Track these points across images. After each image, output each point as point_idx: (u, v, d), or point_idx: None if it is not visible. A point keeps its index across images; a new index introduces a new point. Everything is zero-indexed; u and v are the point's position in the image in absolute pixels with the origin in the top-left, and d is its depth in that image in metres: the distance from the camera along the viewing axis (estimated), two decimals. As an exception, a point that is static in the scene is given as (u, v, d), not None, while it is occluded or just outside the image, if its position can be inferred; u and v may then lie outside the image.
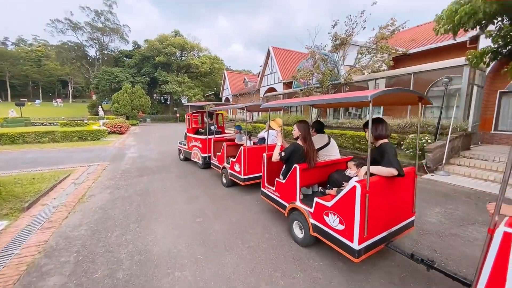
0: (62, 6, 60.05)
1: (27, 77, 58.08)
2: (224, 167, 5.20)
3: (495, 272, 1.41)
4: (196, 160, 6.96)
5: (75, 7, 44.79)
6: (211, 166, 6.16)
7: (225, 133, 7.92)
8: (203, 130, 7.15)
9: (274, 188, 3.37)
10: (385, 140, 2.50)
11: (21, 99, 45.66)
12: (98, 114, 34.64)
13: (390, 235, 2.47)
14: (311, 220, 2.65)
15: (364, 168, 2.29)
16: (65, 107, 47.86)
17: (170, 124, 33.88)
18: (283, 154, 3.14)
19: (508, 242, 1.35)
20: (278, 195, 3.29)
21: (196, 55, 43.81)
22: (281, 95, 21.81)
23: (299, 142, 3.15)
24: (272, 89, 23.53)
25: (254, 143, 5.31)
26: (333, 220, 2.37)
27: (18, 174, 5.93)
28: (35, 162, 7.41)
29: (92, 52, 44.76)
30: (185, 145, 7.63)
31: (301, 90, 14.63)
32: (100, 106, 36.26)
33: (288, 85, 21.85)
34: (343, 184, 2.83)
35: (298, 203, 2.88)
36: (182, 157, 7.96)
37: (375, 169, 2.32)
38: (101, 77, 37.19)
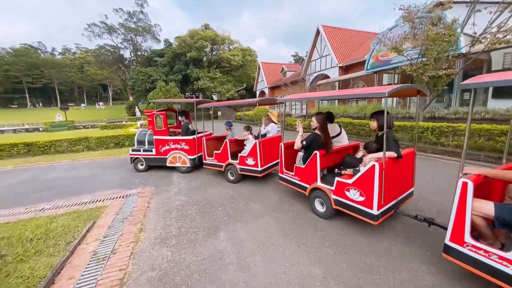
0: (97, 10, 62.50)
1: (73, 83, 62.30)
2: (229, 164, 5.14)
3: (458, 214, 2.01)
4: (178, 165, 6.08)
5: (109, 10, 45.89)
6: (204, 166, 5.84)
7: (201, 131, 6.69)
8: (175, 131, 6.66)
9: (293, 173, 3.82)
10: (387, 130, 2.83)
11: (69, 104, 48.80)
12: (135, 115, 34.61)
13: (397, 203, 3.07)
14: (333, 196, 3.17)
15: (369, 157, 2.92)
16: (106, 110, 49.92)
17: (205, 121, 32.16)
18: (304, 142, 3.54)
19: (465, 189, 1.95)
20: (298, 179, 3.75)
21: (227, 48, 41.50)
22: (337, 82, 18.04)
23: (317, 131, 3.55)
24: (324, 76, 19.72)
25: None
26: (353, 194, 2.90)
27: (18, 220, 3.63)
28: (55, 188, 5.33)
29: (127, 54, 45.49)
30: (147, 151, 6.23)
31: (383, 69, 10.69)
32: (136, 107, 36.23)
33: (345, 69, 17.92)
34: (359, 165, 3.16)
35: (319, 183, 3.36)
36: (142, 166, 6.39)
37: (377, 154, 2.90)
38: (136, 77, 37.13)
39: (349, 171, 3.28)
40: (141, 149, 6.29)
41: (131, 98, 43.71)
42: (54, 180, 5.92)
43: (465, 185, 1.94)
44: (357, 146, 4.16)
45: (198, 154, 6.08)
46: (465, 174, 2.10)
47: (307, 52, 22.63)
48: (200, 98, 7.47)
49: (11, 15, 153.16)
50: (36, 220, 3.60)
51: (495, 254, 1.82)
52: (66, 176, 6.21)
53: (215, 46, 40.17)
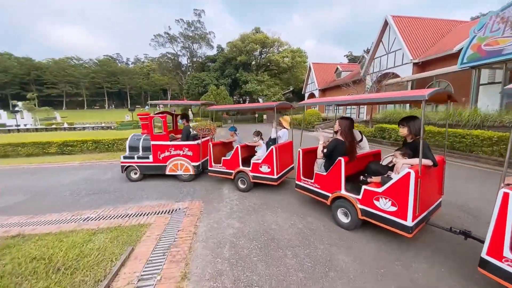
0: (163, 22, 70.04)
1: (140, 88, 71.41)
2: (240, 172, 4.77)
3: (498, 226, 1.86)
4: (180, 173, 5.56)
5: (172, 21, 50.88)
6: (210, 174, 5.31)
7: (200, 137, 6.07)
8: (177, 136, 6.20)
9: (312, 181, 3.60)
10: (418, 136, 2.79)
11: (136, 106, 55.90)
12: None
13: (428, 214, 2.85)
14: (359, 206, 2.93)
15: (400, 162, 2.74)
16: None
17: (250, 125, 31.95)
18: (325, 150, 3.35)
19: (506, 200, 1.82)
20: (318, 187, 3.52)
21: (276, 50, 40.87)
22: (409, 82, 15.02)
23: (339, 136, 3.34)
24: (392, 75, 16.81)
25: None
26: (384, 204, 2.66)
27: (60, 231, 3.21)
28: (106, 192, 5.18)
29: (184, 60, 49.41)
30: (142, 158, 5.61)
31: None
32: (190, 109, 38.73)
33: (422, 66, 14.80)
34: (388, 173, 3.00)
35: (343, 192, 3.13)
36: (135, 175, 5.75)
37: (411, 160, 2.70)
38: (191, 82, 39.76)
39: (375, 179, 3.10)
40: (135, 156, 5.61)
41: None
42: (108, 181, 5.79)
43: (506, 196, 1.85)
44: (378, 153, 4.02)
45: (202, 160, 5.63)
46: (508, 184, 1.96)
47: (367, 49, 19.90)
48: (210, 101, 7.02)
49: (97, 30, 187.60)
50: (75, 234, 3.10)
51: None
52: (118, 177, 6.06)
53: (265, 49, 40.03)
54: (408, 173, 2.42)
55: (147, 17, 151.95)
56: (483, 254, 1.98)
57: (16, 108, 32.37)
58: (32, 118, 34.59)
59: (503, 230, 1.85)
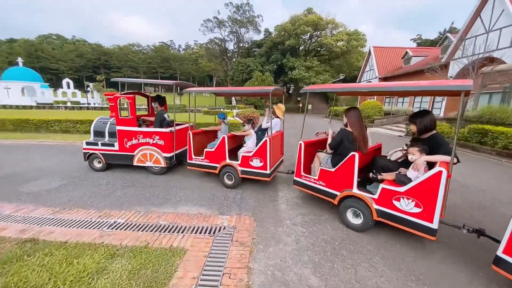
0: (213, 8, 70.32)
1: (189, 73, 74.82)
2: (226, 165, 4.16)
3: None
4: (149, 164, 4.77)
5: (221, 5, 50.63)
6: (189, 167, 4.58)
7: (179, 123, 5.33)
8: (147, 121, 5.29)
9: (316, 177, 3.24)
10: (434, 131, 2.68)
11: (184, 91, 58.91)
12: (231, 103, 36.87)
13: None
14: (375, 206, 2.65)
15: (422, 159, 2.46)
16: (210, 97, 56.95)
17: (293, 115, 29.99)
18: (330, 143, 3.11)
19: None
20: (324, 184, 3.18)
21: (329, 33, 36.89)
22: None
23: (349, 128, 3.08)
24: (490, 60, 12.76)
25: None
26: (406, 204, 2.43)
27: (76, 242, 2.44)
28: (142, 185, 4.48)
29: (230, 46, 49.11)
30: (107, 145, 4.83)
31: None
32: (233, 96, 38.58)
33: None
34: (400, 169, 2.76)
35: (356, 191, 2.83)
36: (98, 165, 5.03)
37: (434, 157, 2.46)
38: (236, 68, 39.23)
39: (386, 175, 2.79)
40: (99, 143, 4.88)
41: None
42: (146, 172, 5.15)
43: None
44: (379, 147, 3.78)
45: (177, 151, 4.87)
46: None
47: (444, 30, 15.54)
48: (183, 81, 5.26)
49: (155, 18, 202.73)
50: (91, 253, 2.30)
51: None
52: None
53: (316, 33, 36.49)
54: (440, 172, 2.17)
55: (201, 4, 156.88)
56: (499, 252, 1.95)
57: (88, 89, 37.01)
58: (100, 98, 39.28)
59: None
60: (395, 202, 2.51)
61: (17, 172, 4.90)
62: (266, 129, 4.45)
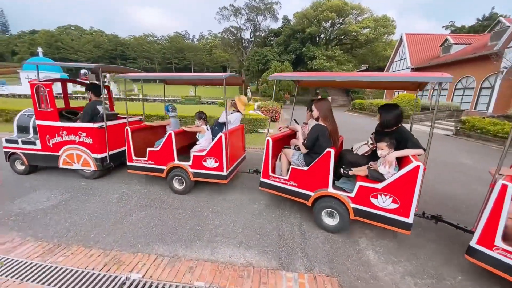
0: (229, -4, 67.82)
1: (203, 64, 73.81)
2: (175, 167, 3.56)
3: (492, 216, 1.87)
4: (77, 167, 3.98)
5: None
6: (129, 171, 3.84)
7: (120, 117, 4.51)
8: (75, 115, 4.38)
9: (287, 177, 2.95)
10: (399, 125, 2.67)
11: (117, 76, 58.31)
12: (246, 95, 35.65)
13: None
14: (352, 205, 2.55)
15: (393, 155, 2.39)
16: (222, 89, 55.98)
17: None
18: (306, 142, 2.82)
19: (504, 192, 1.81)
20: (296, 185, 2.91)
21: (354, 20, 34.15)
22: None
23: (321, 122, 2.85)
24: None
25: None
26: (383, 201, 2.38)
27: None
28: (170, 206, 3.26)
29: (247, 35, 47.30)
30: (28, 143, 4.05)
31: None
32: (248, 88, 37.23)
33: None
34: (370, 164, 2.72)
35: (331, 190, 2.66)
36: (20, 167, 4.22)
37: (404, 152, 2.42)
38: (252, 58, 37.61)
39: (357, 171, 2.70)
40: (19, 140, 4.08)
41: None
42: (164, 183, 4.14)
43: (504, 187, 1.84)
44: (341, 141, 3.44)
45: (112, 152, 4.11)
46: (500, 175, 2.03)
47: (484, 16, 13.09)
48: (108, 65, 5.35)
49: (170, 10, 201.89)
50: None
51: None
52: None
53: (339, 19, 33.84)
54: (418, 166, 2.16)
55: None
56: (472, 243, 2.01)
57: (105, 79, 37.05)
58: (117, 88, 39.37)
59: (497, 221, 1.87)
60: (372, 199, 2.44)
61: (13, 179, 4.07)
62: (223, 124, 3.81)
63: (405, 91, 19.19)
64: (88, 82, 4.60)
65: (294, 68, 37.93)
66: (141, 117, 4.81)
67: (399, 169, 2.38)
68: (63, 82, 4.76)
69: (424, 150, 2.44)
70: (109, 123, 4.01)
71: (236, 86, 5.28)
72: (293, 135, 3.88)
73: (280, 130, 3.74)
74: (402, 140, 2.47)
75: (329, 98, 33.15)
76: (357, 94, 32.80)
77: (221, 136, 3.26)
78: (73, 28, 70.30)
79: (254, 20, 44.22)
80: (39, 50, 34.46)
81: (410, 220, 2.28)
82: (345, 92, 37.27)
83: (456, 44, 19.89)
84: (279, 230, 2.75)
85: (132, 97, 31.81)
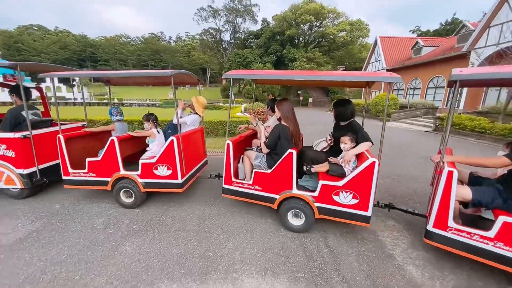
0: (206, -2, 66.51)
1: (181, 66, 71.64)
2: (121, 178, 3.16)
3: (443, 201, 2.04)
4: (0, 185, 3.33)
5: (216, -6, 47.62)
6: (66, 186, 3.33)
7: (55, 124, 3.70)
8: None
9: (251, 182, 2.83)
10: (352, 119, 2.85)
11: (40, 75, 56.36)
12: (228, 97, 35.08)
13: None
14: (317, 204, 2.57)
15: (350, 153, 2.51)
16: (204, 92, 54.66)
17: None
18: (267, 142, 2.74)
19: (450, 177, 1.99)
20: (260, 189, 2.82)
21: (330, 23, 35.30)
22: None
23: (283, 122, 2.84)
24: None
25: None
26: (345, 197, 2.45)
27: None
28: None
29: (226, 36, 46.80)
30: None
31: None
32: (230, 90, 36.70)
33: None
34: (329, 159, 2.74)
35: (296, 191, 2.66)
36: None
37: (359, 148, 2.54)
38: (233, 60, 37.22)
39: (319, 167, 2.71)
40: None
41: (224, 82, 45.42)
42: (161, 197, 3.61)
43: (450, 174, 1.99)
44: (301, 138, 3.39)
45: (46, 165, 3.55)
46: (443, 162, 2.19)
47: (446, 21, 14.28)
48: (24, 62, 3.48)
49: (144, 9, 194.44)
50: None
51: (476, 234, 1.95)
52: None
53: (317, 22, 34.78)
54: (373, 162, 2.25)
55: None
56: (429, 227, 2.14)
57: (74, 83, 34.17)
58: (88, 92, 36.51)
59: (447, 204, 2.02)
60: (334, 197, 2.49)
61: (-33, 204, 3.28)
62: (176, 126, 3.40)
63: (371, 89, 20.04)
64: (13, 84, 3.92)
65: (276, 70, 38.26)
66: (84, 123, 4.23)
67: (357, 163, 2.53)
68: None
69: (372, 143, 2.58)
70: (41, 131, 3.48)
71: (186, 84, 4.94)
72: (254, 135, 3.80)
73: (239, 131, 3.59)
74: (354, 133, 2.66)
75: (310, 99, 33.85)
76: (336, 94, 33.82)
77: (172, 140, 2.96)
78: (35, 28, 64.38)
79: (233, 21, 43.94)
80: (-5, 51, 30.87)
81: (369, 213, 2.38)
82: (325, 92, 38.28)
83: (426, 46, 21.27)
84: (304, 249, 2.41)
85: (106, 101, 29.67)
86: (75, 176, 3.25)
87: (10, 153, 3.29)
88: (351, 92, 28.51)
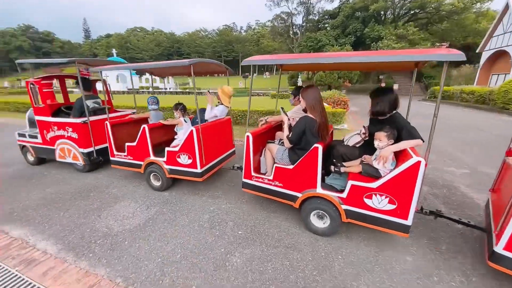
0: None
1: (250, 55, 73.48)
2: (151, 163, 3.42)
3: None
4: (69, 160, 4.16)
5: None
6: (113, 166, 3.83)
7: (117, 110, 4.79)
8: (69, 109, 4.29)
9: (271, 177, 2.63)
10: (394, 111, 2.35)
11: (246, 74, 58.63)
12: (296, 85, 33.72)
13: None
14: (344, 207, 2.27)
15: (388, 150, 2.10)
16: (271, 79, 54.62)
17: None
18: (291, 136, 2.45)
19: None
20: (281, 185, 2.59)
21: (434, -13, 27.92)
22: None
23: (309, 114, 2.47)
24: None
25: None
26: (379, 202, 2.11)
27: None
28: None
29: (298, 20, 44.54)
30: (34, 137, 4.37)
31: None
32: (299, 77, 35.17)
33: None
34: (363, 157, 2.38)
35: (320, 191, 2.36)
36: (32, 158, 4.60)
37: (401, 145, 2.12)
38: (304, 44, 35.09)
39: (351, 166, 2.36)
40: (26, 134, 4.47)
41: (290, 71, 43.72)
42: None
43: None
44: (331, 131, 3.17)
45: (100, 146, 4.05)
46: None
47: None
48: (80, 58, 3.70)
49: (218, 3, 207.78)
50: None
51: None
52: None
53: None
54: (418, 162, 1.86)
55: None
56: (499, 249, 1.76)
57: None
58: (175, 83, 42.42)
59: None
60: (366, 200, 2.14)
61: (91, 183, 3.84)
62: (207, 115, 3.54)
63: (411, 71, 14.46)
64: (88, 77, 4.53)
65: (353, 53, 33.87)
66: (134, 111, 4.86)
67: (396, 164, 2.13)
68: (61, 78, 4.72)
69: (423, 140, 2.12)
70: (98, 117, 4.07)
71: (215, 73, 4.65)
72: (278, 126, 3.47)
73: (260, 124, 3.34)
74: (396, 128, 2.20)
75: (396, 86, 28.45)
76: (433, 79, 27.17)
77: (192, 131, 2.98)
78: (138, 30, 78.70)
79: (307, 2, 40.96)
80: (114, 51, 39.40)
81: (409, 222, 2.03)
82: (416, 77, 31.50)
83: None
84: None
85: (188, 90, 33.56)
86: (118, 158, 3.70)
87: (75, 135, 3.98)
88: (459, 76, 22.11)
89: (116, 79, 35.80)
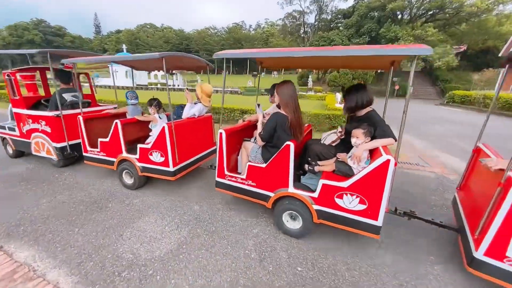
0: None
1: (259, 54, 73.10)
2: (124, 160, 3.32)
3: (506, 224, 1.53)
4: (43, 154, 4.07)
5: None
6: (86, 162, 3.75)
7: (98, 105, 4.74)
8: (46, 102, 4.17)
9: (244, 176, 2.56)
10: (369, 109, 2.35)
11: (254, 72, 58.12)
12: (306, 85, 33.01)
13: None
14: (315, 207, 2.23)
15: (361, 148, 2.07)
16: (279, 79, 54.08)
17: (382, 99, 23.54)
18: (262, 133, 2.40)
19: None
20: (254, 184, 2.54)
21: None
22: None
23: (282, 111, 2.43)
24: None
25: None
26: (349, 202, 2.09)
27: None
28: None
29: (311, 18, 43.79)
30: (13, 129, 4.31)
31: None
32: (310, 77, 34.50)
33: None
34: (338, 155, 2.37)
35: (292, 190, 2.32)
36: (11, 151, 4.57)
37: (374, 143, 2.11)
38: (316, 43, 34.31)
39: (325, 165, 2.33)
40: (6, 126, 4.38)
41: (299, 70, 43.17)
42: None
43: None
44: (310, 130, 3.26)
45: (75, 141, 3.93)
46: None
47: None
48: (56, 49, 3.75)
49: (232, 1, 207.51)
50: None
51: None
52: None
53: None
54: (388, 161, 1.85)
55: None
56: (479, 255, 1.75)
57: (173, 72, 40.02)
58: (183, 80, 42.23)
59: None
60: (337, 200, 2.12)
61: (107, 191, 3.37)
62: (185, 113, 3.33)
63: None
64: (70, 70, 4.32)
65: (366, 54, 32.98)
66: (115, 106, 4.76)
67: (369, 162, 2.02)
68: (41, 70, 4.59)
69: (395, 139, 2.07)
70: (72, 111, 3.93)
71: (193, 70, 5.30)
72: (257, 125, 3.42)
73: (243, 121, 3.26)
74: (372, 126, 2.15)
75: (411, 89, 27.50)
76: (449, 83, 26.09)
77: (163, 127, 2.87)
78: (148, 26, 78.87)
79: (320, 0, 40.05)
80: (124, 47, 39.37)
81: (379, 222, 1.99)
82: (431, 81, 30.49)
83: None
84: None
85: (191, 88, 33.23)
86: (92, 154, 3.59)
87: (48, 129, 3.85)
88: (481, 81, 21.07)
89: (125, 74, 35.76)
